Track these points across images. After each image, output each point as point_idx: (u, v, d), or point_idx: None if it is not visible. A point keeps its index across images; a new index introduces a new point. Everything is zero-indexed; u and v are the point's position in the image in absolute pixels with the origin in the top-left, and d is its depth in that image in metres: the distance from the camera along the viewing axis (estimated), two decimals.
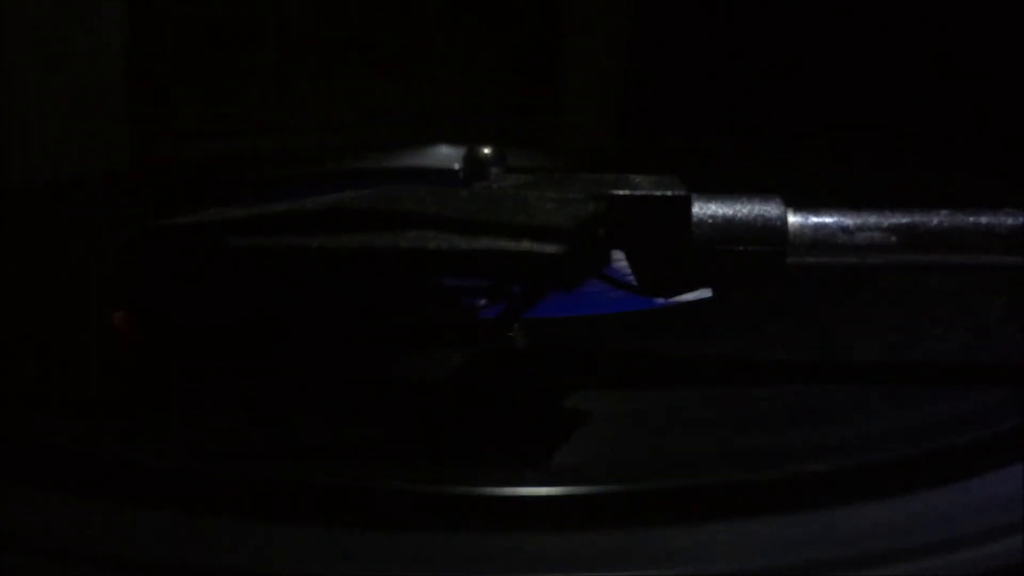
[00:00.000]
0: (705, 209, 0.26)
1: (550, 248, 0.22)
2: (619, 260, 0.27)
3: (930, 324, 0.31)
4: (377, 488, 0.21)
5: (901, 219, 0.26)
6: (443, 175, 0.49)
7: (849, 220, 0.26)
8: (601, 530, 0.21)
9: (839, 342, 0.30)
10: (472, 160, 0.41)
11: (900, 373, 0.28)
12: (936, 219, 0.26)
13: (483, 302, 0.27)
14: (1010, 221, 0.26)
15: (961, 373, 0.27)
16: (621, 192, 0.26)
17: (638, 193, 0.26)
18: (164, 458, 0.22)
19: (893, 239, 0.26)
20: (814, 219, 0.26)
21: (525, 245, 0.22)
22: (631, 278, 0.27)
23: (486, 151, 0.41)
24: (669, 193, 0.26)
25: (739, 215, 0.26)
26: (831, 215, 0.26)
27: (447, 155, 0.51)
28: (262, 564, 0.20)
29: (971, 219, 0.26)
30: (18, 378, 0.27)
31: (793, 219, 0.26)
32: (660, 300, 0.28)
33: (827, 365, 0.28)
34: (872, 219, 0.26)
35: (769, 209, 0.26)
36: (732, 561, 0.20)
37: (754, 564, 0.20)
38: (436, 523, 0.21)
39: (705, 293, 0.28)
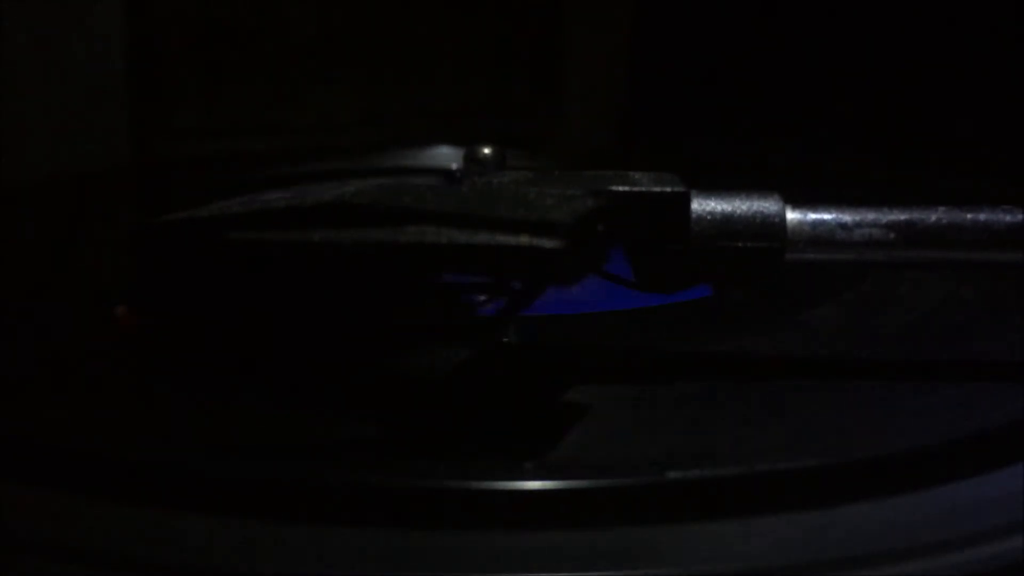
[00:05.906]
0: (704, 206, 0.26)
1: (549, 243, 0.22)
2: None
3: (929, 323, 0.31)
4: (374, 485, 0.21)
5: (899, 216, 0.26)
6: (443, 175, 0.49)
7: (847, 217, 0.26)
8: (598, 527, 0.21)
9: (838, 341, 0.30)
10: (472, 160, 0.41)
11: (899, 372, 0.28)
12: (934, 216, 0.26)
13: (482, 298, 0.28)
14: (1008, 218, 0.26)
15: (960, 372, 0.27)
16: (620, 188, 0.26)
17: (637, 189, 0.26)
18: (164, 456, 0.22)
19: (891, 236, 0.26)
20: (812, 216, 0.26)
21: (524, 240, 0.22)
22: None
23: (486, 151, 0.41)
24: (668, 189, 0.26)
25: (738, 212, 0.26)
26: (829, 212, 0.26)
27: (447, 155, 0.51)
28: (262, 564, 0.20)
29: (969, 216, 0.26)
30: (19, 377, 0.27)
31: (792, 216, 0.26)
32: (659, 296, 0.28)
33: (826, 364, 0.28)
34: (870, 216, 0.26)
35: (768, 206, 0.26)
36: (730, 560, 0.20)
37: (753, 564, 0.20)
38: (432, 520, 0.21)
39: (704, 290, 0.28)
